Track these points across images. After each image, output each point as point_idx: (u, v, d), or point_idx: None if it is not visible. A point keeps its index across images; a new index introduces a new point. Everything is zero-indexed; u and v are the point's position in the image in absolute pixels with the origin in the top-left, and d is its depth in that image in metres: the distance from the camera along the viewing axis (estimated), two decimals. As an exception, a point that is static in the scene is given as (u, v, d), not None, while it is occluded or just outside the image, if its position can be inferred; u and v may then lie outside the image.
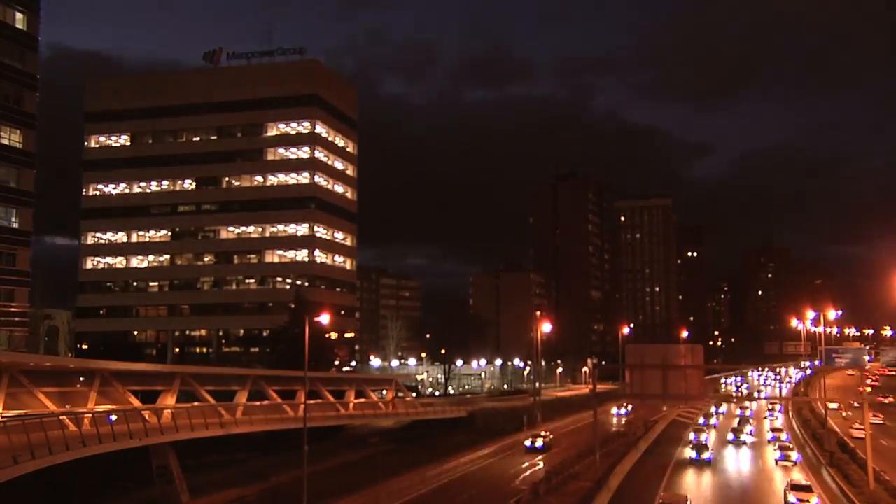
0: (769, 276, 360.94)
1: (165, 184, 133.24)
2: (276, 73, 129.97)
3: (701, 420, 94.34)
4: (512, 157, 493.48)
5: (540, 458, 67.22)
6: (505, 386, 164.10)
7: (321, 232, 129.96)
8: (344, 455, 68.01)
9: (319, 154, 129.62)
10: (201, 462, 59.76)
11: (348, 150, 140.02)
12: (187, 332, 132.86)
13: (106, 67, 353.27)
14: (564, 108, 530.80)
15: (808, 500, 45.95)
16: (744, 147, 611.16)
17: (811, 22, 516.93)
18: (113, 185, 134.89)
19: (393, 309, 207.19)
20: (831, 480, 54.13)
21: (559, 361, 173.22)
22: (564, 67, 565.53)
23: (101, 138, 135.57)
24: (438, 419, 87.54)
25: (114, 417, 45.75)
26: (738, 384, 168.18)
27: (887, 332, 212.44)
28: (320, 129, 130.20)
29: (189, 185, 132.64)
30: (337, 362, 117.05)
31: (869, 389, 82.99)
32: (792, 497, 46.42)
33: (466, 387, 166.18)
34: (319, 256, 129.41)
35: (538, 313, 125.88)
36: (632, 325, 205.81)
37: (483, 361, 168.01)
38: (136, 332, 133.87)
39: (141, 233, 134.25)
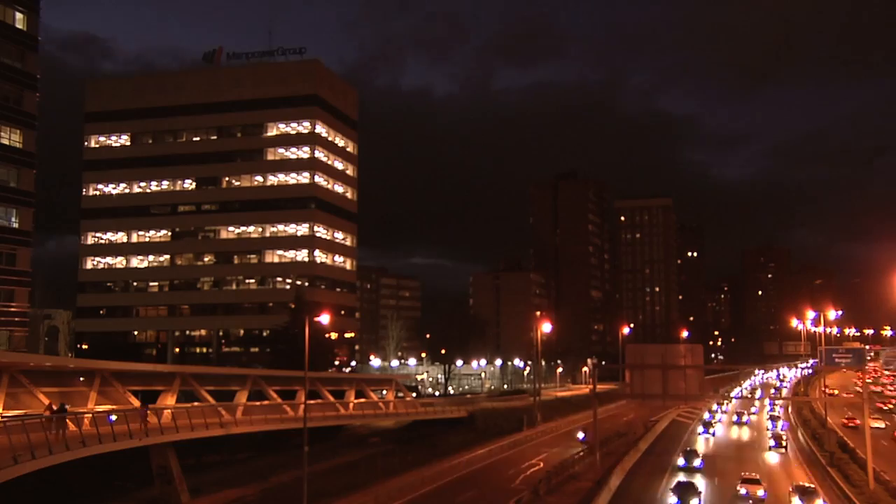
0: (769, 276, 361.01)
1: (165, 184, 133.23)
2: (276, 73, 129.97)
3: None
4: (526, 151, 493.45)
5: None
6: (505, 386, 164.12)
7: (321, 232, 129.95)
8: (344, 455, 68.01)
9: (319, 154, 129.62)
10: (201, 462, 59.81)
11: (348, 150, 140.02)
12: (187, 332, 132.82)
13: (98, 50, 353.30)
14: (590, 96, 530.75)
15: None
16: (777, 137, 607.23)
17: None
18: (113, 185, 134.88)
19: (393, 309, 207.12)
20: (831, 480, 54.16)
21: (559, 361, 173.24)
22: (597, 47, 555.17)
23: (101, 138, 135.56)
24: (438, 419, 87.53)
25: (114, 417, 45.74)
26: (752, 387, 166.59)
27: (887, 332, 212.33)
28: (320, 129, 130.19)
29: (189, 185, 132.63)
30: (337, 362, 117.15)
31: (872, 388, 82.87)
32: (797, 500, 46.19)
33: (466, 387, 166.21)
34: (319, 256, 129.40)
35: (538, 313, 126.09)
36: (632, 325, 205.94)
37: (483, 361, 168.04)
38: (136, 332, 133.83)
39: (141, 233, 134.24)
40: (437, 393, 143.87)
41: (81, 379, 51.52)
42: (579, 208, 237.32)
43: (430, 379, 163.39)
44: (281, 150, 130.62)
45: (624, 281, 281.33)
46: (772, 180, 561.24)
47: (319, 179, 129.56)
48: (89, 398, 49.82)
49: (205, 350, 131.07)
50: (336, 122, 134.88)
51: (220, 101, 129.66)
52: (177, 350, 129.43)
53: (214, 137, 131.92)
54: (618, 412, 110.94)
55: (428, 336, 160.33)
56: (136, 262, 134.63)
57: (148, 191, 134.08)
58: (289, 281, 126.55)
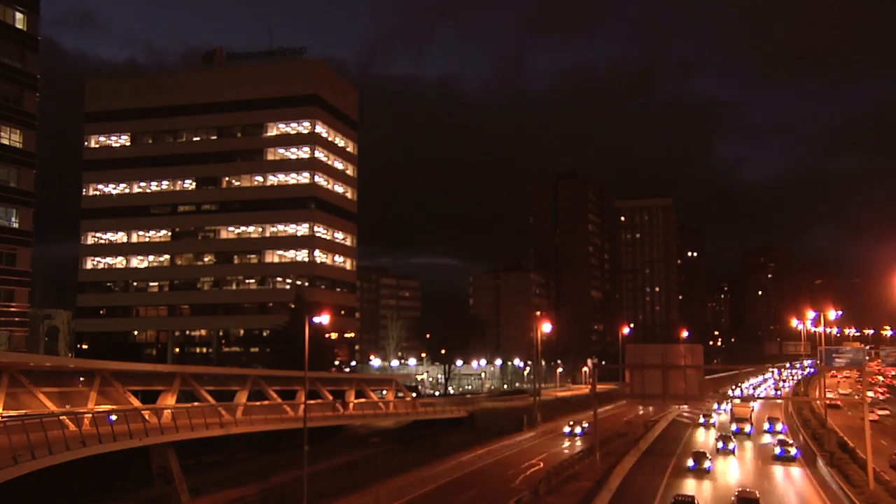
0: (769, 276, 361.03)
1: (165, 184, 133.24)
2: (276, 73, 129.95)
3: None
4: (526, 151, 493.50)
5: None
6: (505, 386, 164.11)
7: (321, 232, 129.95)
8: (344, 455, 67.95)
9: (319, 154, 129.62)
10: (201, 462, 59.79)
11: (348, 150, 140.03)
12: (187, 332, 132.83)
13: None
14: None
15: None
16: (808, 127, 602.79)
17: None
18: (113, 185, 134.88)
19: (393, 309, 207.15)
20: (831, 480, 54.16)
21: (559, 361, 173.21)
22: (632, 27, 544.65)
23: (101, 138, 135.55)
24: (438, 419, 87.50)
25: (114, 417, 45.74)
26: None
27: (887, 332, 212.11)
28: (320, 129, 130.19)
29: (189, 185, 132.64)
30: (337, 362, 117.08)
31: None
32: None
33: (466, 387, 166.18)
34: (319, 256, 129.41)
35: (538, 313, 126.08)
36: (632, 325, 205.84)
37: (483, 361, 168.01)
38: (136, 332, 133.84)
39: (141, 233, 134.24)
40: (437, 393, 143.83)
41: (81, 379, 51.53)
42: (579, 208, 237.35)
43: (430, 379, 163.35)
44: (281, 150, 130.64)
45: (624, 281, 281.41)
46: (798, 176, 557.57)
47: (319, 179, 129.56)
48: (89, 398, 49.81)
49: (205, 350, 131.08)
50: (336, 122, 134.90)
51: (220, 101, 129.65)
52: (177, 350, 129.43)
53: (214, 137, 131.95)
54: (618, 412, 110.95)
55: (428, 336, 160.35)
56: (136, 262, 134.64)
57: (148, 191, 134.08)
58: (289, 281, 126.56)
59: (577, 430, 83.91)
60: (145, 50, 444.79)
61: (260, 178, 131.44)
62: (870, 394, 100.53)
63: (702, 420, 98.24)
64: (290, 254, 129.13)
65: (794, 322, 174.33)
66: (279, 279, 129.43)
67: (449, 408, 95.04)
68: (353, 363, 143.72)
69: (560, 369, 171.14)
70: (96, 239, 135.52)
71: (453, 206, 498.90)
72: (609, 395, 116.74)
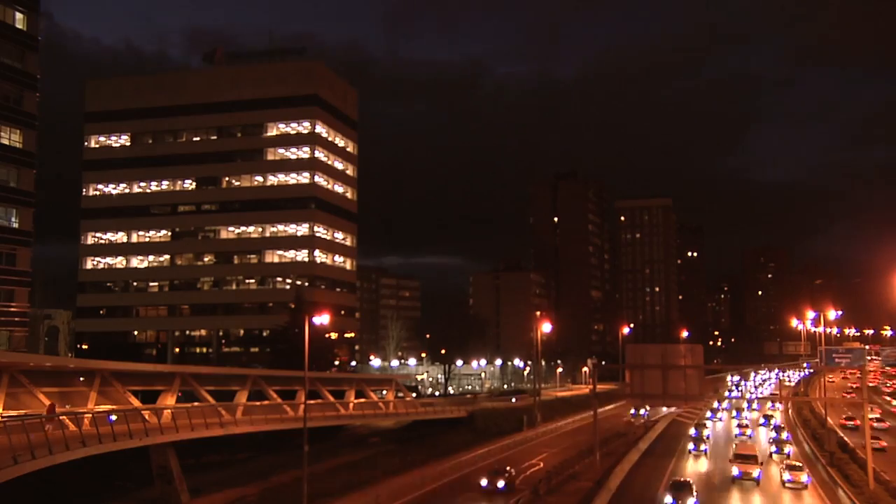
0: (769, 276, 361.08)
1: (165, 184, 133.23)
2: (276, 73, 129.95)
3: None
4: (526, 151, 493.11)
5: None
6: (505, 386, 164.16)
7: (321, 232, 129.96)
8: (344, 455, 68.02)
9: (319, 154, 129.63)
10: (201, 462, 59.80)
11: (348, 150, 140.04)
12: (187, 332, 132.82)
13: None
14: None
15: None
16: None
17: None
18: (113, 185, 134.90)
19: (393, 309, 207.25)
20: (831, 480, 54.18)
21: (559, 361, 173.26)
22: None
23: (101, 138, 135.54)
24: (438, 419, 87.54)
25: (114, 417, 45.76)
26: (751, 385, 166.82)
27: (887, 332, 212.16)
28: (320, 130, 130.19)
29: (189, 185, 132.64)
30: (337, 362, 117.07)
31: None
32: None
33: (466, 387, 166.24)
34: (319, 256, 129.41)
35: (538, 313, 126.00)
36: (632, 325, 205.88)
37: (483, 361, 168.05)
38: (136, 332, 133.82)
39: (141, 233, 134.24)
40: (437, 393, 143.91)
41: (81, 379, 51.57)
42: (579, 208, 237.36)
43: (430, 379, 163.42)
44: (281, 150, 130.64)
45: (624, 281, 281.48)
46: (812, 175, 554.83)
47: (319, 179, 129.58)
48: (89, 398, 49.87)
49: (205, 350, 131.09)
50: (336, 122, 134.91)
51: (220, 101, 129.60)
52: (177, 350, 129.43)
53: (214, 137, 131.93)
54: (618, 412, 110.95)
55: (428, 336, 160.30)
56: (136, 262, 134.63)
57: (148, 191, 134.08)
58: (289, 281, 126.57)
59: (500, 483, 51.38)
60: (145, 27, 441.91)
61: (260, 178, 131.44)
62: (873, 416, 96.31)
63: (693, 435, 76.14)
64: (290, 254, 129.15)
65: (794, 322, 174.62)
66: (279, 279, 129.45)
67: (449, 408, 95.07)
68: (353, 363, 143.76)
69: (560, 369, 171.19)
70: (96, 239, 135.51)
71: (453, 206, 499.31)
72: (609, 395, 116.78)
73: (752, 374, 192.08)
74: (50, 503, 46.67)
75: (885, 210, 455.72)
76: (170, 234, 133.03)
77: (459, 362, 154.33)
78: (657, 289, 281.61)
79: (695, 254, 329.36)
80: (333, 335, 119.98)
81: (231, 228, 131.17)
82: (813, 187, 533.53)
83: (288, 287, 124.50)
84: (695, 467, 64.06)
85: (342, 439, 78.71)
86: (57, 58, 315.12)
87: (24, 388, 46.26)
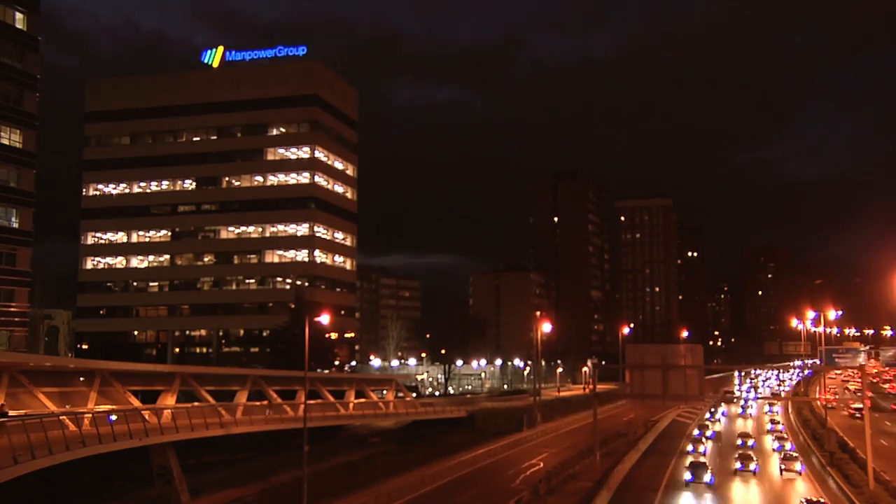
0: (769, 276, 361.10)
1: (165, 184, 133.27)
2: (277, 73, 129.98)
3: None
4: (526, 150, 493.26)
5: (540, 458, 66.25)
6: (505, 386, 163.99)
7: (321, 232, 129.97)
8: (344, 455, 67.98)
9: (319, 154, 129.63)
10: (201, 462, 59.81)
11: (348, 150, 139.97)
12: (187, 332, 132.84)
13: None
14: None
15: None
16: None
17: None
18: (113, 185, 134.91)
19: (393, 309, 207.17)
20: (831, 481, 54.22)
21: (559, 361, 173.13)
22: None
23: (101, 139, 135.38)
24: (438, 419, 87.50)
25: (114, 417, 45.76)
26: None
27: (887, 332, 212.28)
28: (320, 130, 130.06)
29: (189, 185, 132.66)
30: (337, 362, 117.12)
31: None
32: None
33: (466, 387, 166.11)
34: (319, 256, 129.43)
35: (538, 313, 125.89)
36: (632, 325, 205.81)
37: (483, 361, 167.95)
38: (136, 332, 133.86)
39: (141, 233, 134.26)
40: (437, 393, 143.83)
41: (81, 379, 51.57)
42: (579, 208, 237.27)
43: (430, 379, 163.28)
44: (281, 150, 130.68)
45: (624, 281, 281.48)
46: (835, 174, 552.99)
47: (319, 179, 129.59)
48: (89, 398, 49.86)
49: (205, 350, 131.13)
50: (336, 121, 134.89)
51: (220, 101, 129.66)
52: (177, 350, 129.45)
53: (214, 137, 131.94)
54: (618, 412, 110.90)
55: (428, 336, 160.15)
56: (136, 262, 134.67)
57: (148, 191, 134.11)
58: (289, 281, 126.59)
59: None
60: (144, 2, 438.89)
61: (260, 178, 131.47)
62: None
63: (689, 452, 67.82)
64: (290, 254, 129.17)
65: (794, 322, 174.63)
66: (279, 279, 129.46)
67: (449, 408, 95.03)
68: (353, 363, 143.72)
69: (560, 369, 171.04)
70: (96, 239, 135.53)
71: (453, 206, 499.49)
72: (609, 395, 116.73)
73: (753, 373, 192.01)
74: (50, 503, 46.68)
75: (885, 210, 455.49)
76: (170, 234, 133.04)
77: (459, 362, 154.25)
78: (657, 289, 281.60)
79: (695, 254, 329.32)
80: (333, 335, 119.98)
81: (231, 228, 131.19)
82: (822, 185, 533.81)
83: (288, 287, 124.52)
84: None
85: (342, 439, 78.69)
86: (54, 31, 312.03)
87: (24, 388, 46.26)
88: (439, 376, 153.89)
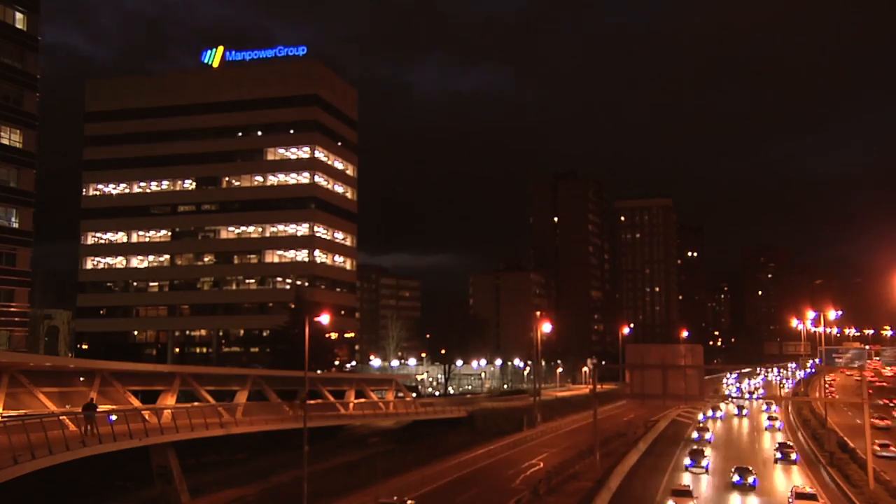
0: (769, 276, 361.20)
1: (165, 184, 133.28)
2: (277, 73, 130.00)
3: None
4: (526, 150, 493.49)
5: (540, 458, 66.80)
6: (505, 386, 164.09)
7: (321, 232, 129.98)
8: (344, 455, 68.00)
9: (319, 154, 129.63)
10: (201, 462, 59.80)
11: (348, 149, 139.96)
12: (187, 332, 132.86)
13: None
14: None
15: None
16: None
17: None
18: (113, 185, 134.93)
19: (393, 309, 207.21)
20: (831, 480, 54.23)
21: (559, 361, 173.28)
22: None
23: (101, 139, 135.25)
24: (438, 419, 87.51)
25: (114, 417, 45.75)
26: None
27: (887, 332, 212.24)
28: (320, 130, 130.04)
29: (189, 185, 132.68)
30: (337, 362, 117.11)
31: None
32: None
33: (466, 387, 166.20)
34: (319, 256, 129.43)
35: (538, 313, 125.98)
36: (632, 325, 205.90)
37: (483, 361, 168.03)
38: (136, 332, 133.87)
39: (141, 233, 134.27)
40: (437, 393, 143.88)
41: (81, 379, 51.56)
42: (579, 208, 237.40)
43: (430, 379, 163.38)
44: (281, 150, 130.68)
45: (624, 281, 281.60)
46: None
47: (319, 179, 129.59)
48: (89, 398, 49.78)
49: (205, 350, 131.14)
50: (336, 121, 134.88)
51: (220, 101, 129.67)
52: (177, 350, 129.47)
53: (214, 137, 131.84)
54: (618, 412, 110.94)
55: (428, 336, 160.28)
56: (136, 262, 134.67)
57: (148, 191, 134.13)
58: (289, 281, 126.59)
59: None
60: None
61: (260, 178, 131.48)
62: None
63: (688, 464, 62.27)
64: (290, 254, 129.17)
65: (794, 322, 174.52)
66: (279, 279, 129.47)
67: (449, 408, 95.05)
68: (353, 363, 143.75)
69: (560, 369, 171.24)
70: (96, 239, 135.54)
71: (453, 206, 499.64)
72: (609, 395, 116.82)
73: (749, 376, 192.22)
74: (50, 503, 46.68)
75: (885, 210, 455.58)
76: (170, 234, 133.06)
77: (459, 362, 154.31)
78: (657, 289, 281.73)
79: (695, 254, 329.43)
80: (333, 335, 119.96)
81: (231, 228, 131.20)
82: (812, 184, 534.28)
83: (288, 287, 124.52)
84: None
85: (342, 439, 78.68)
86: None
87: (24, 388, 46.25)
88: (439, 376, 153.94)
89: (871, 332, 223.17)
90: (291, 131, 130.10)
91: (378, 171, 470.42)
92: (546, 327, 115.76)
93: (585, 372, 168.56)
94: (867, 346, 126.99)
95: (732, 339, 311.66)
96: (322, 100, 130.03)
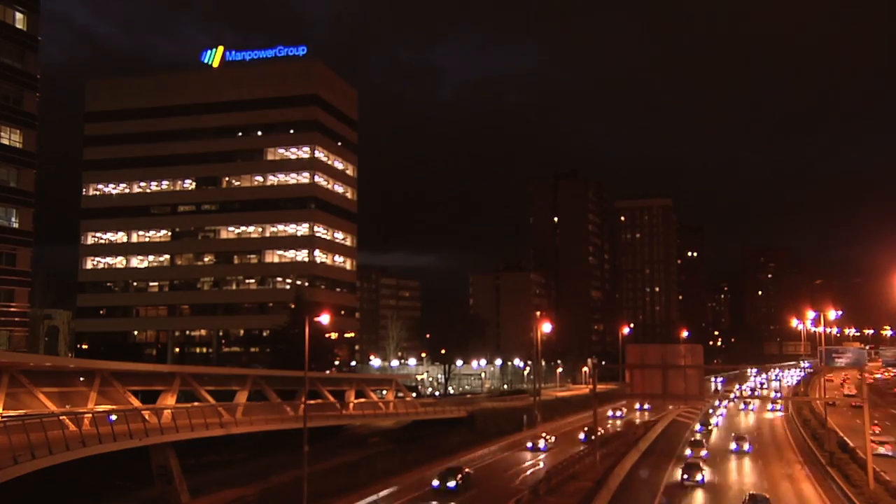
0: (769, 276, 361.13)
1: (165, 184, 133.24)
2: (277, 73, 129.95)
3: None
4: (525, 150, 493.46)
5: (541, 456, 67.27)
6: (505, 386, 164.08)
7: (321, 232, 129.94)
8: (344, 455, 68.01)
9: (319, 154, 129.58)
10: (201, 462, 59.82)
11: (348, 149, 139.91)
12: (187, 332, 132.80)
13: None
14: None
15: None
16: None
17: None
18: (113, 185, 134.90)
19: (393, 309, 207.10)
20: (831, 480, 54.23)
21: (559, 361, 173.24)
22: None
23: (101, 139, 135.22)
24: (438, 419, 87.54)
25: (114, 417, 45.76)
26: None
27: (887, 332, 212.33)
28: (320, 129, 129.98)
29: (189, 185, 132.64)
30: (337, 362, 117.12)
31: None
32: None
33: (466, 387, 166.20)
34: (319, 256, 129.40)
35: (538, 313, 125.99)
36: (632, 325, 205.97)
37: (483, 361, 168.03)
38: (136, 332, 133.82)
39: (141, 233, 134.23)
40: (437, 393, 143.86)
41: (81, 379, 51.56)
42: (579, 208, 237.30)
43: (430, 379, 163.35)
44: (281, 150, 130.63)
45: (624, 281, 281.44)
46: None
47: (319, 179, 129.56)
48: (89, 398, 49.85)
49: (205, 350, 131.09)
50: (336, 121, 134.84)
51: (220, 101, 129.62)
52: (177, 350, 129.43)
53: (214, 137, 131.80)
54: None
55: (428, 336, 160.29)
56: (136, 262, 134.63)
57: (148, 191, 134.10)
58: (289, 281, 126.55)
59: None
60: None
61: (260, 178, 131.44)
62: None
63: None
64: (290, 254, 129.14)
65: (794, 322, 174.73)
66: (279, 279, 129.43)
67: (449, 408, 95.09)
68: (353, 363, 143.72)
69: (560, 369, 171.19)
70: (96, 239, 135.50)
71: (453, 206, 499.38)
72: (609, 395, 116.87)
73: (752, 375, 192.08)
74: (50, 503, 46.67)
75: (885, 210, 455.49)
76: (170, 234, 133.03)
77: (459, 362, 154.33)
78: (657, 289, 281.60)
79: (695, 254, 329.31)
80: (333, 335, 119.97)
81: (231, 228, 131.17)
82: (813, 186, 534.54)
83: (288, 287, 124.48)
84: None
85: (342, 439, 78.69)
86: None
87: (24, 388, 46.26)
88: (439, 376, 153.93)
89: (871, 332, 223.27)
90: (291, 131, 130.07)
91: (379, 171, 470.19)
92: (546, 327, 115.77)
93: (585, 372, 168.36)
94: (867, 346, 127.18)
95: (732, 339, 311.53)
96: (322, 100, 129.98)
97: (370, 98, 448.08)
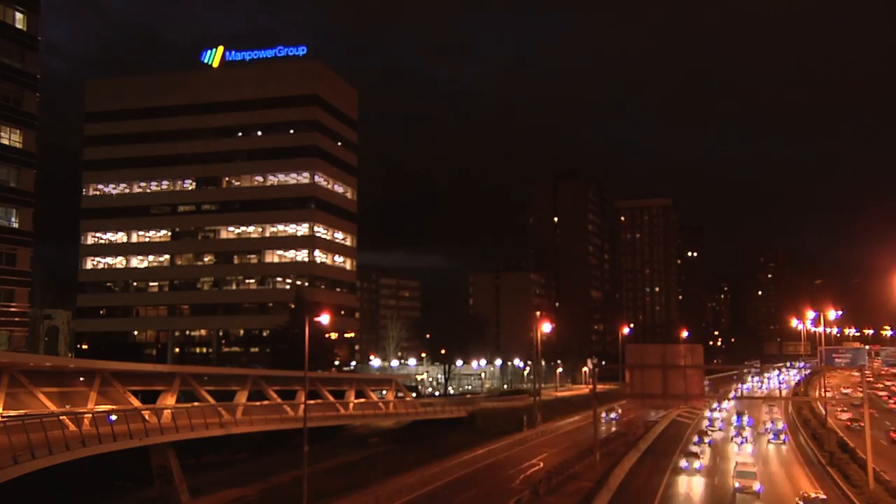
0: (769, 276, 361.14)
1: (165, 184, 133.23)
2: (276, 73, 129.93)
3: None
4: (525, 150, 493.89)
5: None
6: (505, 386, 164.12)
7: (321, 232, 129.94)
8: (344, 455, 68.02)
9: (319, 154, 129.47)
10: (201, 462, 59.85)
11: (348, 149, 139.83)
12: (187, 332, 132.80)
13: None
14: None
15: None
16: None
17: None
18: (113, 185, 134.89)
19: (393, 309, 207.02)
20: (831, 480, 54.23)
21: (559, 361, 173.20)
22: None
23: (101, 139, 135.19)
24: (438, 419, 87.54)
25: (114, 417, 45.76)
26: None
27: (887, 332, 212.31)
28: (320, 129, 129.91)
29: (189, 185, 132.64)
30: (337, 362, 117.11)
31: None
32: None
33: (466, 387, 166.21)
34: (319, 256, 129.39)
35: (538, 313, 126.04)
36: (632, 325, 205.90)
37: (483, 361, 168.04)
38: (136, 332, 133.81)
39: (141, 233, 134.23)
40: (437, 393, 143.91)
41: (81, 379, 51.54)
42: (579, 208, 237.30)
43: (430, 379, 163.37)
44: (281, 150, 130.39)
45: (624, 281, 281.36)
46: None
47: (319, 179, 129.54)
48: (89, 398, 49.83)
49: (205, 350, 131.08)
50: (336, 121, 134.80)
51: (220, 101, 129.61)
52: (177, 350, 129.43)
53: (214, 137, 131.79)
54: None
55: (428, 336, 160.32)
56: (136, 262, 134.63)
57: (148, 191, 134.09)
58: (289, 281, 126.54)
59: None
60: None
61: (260, 178, 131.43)
62: None
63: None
64: (290, 254, 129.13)
65: (794, 322, 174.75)
66: (279, 279, 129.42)
67: (449, 408, 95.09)
68: (353, 363, 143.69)
69: (560, 369, 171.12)
70: (96, 239, 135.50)
71: (453, 207, 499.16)
72: (609, 394, 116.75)
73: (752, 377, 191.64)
74: (50, 503, 46.67)
75: (885, 210, 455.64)
76: (170, 234, 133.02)
77: (459, 362, 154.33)
78: (657, 289, 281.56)
79: (695, 254, 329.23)
80: (333, 335, 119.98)
81: (231, 228, 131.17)
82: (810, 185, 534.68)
83: (288, 287, 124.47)
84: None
85: (342, 439, 78.73)
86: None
87: (24, 388, 46.24)
88: (439, 376, 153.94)
89: (871, 332, 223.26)
90: (291, 131, 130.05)
91: (379, 171, 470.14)
92: (546, 327, 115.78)
93: (585, 372, 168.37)
94: (867, 346, 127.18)
95: (732, 339, 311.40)
96: (322, 100, 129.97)
97: (371, 98, 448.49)
